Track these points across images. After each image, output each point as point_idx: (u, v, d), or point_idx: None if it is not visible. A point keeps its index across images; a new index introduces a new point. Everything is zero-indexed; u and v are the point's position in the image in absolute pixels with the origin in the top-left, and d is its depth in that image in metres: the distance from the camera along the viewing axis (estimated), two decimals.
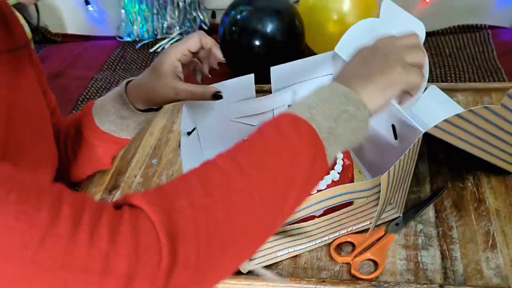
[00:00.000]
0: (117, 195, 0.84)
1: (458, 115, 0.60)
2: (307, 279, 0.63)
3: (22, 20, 1.60)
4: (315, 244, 0.69)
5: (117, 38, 1.76)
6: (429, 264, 0.66)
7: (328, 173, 0.65)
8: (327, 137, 0.47)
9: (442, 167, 0.80)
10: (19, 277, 0.36)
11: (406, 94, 0.57)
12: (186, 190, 0.41)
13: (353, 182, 0.69)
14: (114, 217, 0.38)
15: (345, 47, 0.79)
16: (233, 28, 1.34)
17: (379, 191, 0.62)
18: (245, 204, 0.42)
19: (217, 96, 0.70)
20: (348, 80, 0.51)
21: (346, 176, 0.67)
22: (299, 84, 0.83)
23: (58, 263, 0.35)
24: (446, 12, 1.59)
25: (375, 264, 0.66)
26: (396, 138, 0.69)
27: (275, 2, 1.36)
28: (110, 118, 0.77)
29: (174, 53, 0.70)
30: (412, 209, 0.73)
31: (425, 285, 0.61)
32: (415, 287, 0.61)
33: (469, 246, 0.67)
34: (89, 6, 1.75)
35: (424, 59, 0.56)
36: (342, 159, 0.69)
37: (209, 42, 0.72)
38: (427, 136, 0.60)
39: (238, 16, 1.34)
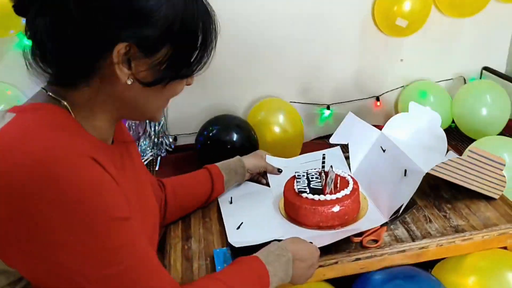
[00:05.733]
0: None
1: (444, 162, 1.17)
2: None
3: None
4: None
5: None
6: (400, 234, 1.16)
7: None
8: (272, 279, 0.94)
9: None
10: None
11: None
12: None
13: (358, 199, 1.22)
14: None
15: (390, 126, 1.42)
16: (208, 142, 1.83)
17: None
18: None
19: (279, 170, 1.35)
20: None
21: (353, 193, 1.19)
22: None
23: None
24: None
25: (375, 242, 1.14)
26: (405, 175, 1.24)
27: (235, 120, 1.91)
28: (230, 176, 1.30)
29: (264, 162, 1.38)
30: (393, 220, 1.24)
31: (397, 242, 1.12)
32: (393, 244, 1.12)
33: (418, 224, 1.20)
34: None
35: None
36: (353, 184, 1.21)
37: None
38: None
39: (210, 134, 1.85)
